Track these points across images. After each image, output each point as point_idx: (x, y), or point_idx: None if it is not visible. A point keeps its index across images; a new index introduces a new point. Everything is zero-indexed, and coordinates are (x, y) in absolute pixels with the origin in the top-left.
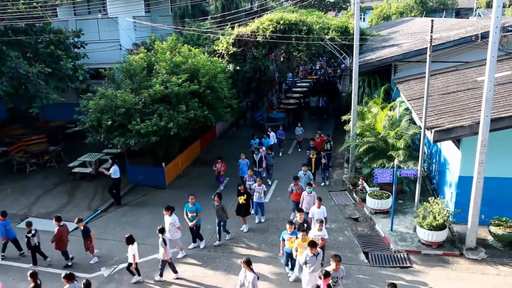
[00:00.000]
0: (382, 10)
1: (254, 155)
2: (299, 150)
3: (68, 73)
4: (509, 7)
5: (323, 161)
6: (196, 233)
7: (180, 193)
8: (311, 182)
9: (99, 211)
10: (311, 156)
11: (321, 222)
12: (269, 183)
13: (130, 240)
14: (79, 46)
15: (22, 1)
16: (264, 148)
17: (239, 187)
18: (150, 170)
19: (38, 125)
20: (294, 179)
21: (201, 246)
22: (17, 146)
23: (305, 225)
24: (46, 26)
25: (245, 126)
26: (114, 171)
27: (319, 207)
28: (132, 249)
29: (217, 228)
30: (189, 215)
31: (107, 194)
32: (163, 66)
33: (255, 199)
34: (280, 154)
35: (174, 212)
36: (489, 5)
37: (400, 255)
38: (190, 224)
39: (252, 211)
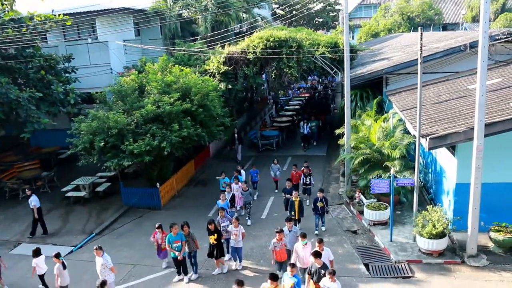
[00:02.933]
0: (371, 28)
1: (226, 193)
2: (276, 191)
3: (59, 97)
4: (494, 21)
5: (320, 204)
6: (182, 266)
7: (176, 214)
8: (305, 233)
9: (94, 234)
10: (293, 199)
11: (333, 273)
12: (248, 223)
13: (35, 253)
14: (70, 71)
15: (11, 27)
16: (240, 183)
17: (209, 226)
18: (145, 191)
19: (30, 151)
20: (278, 232)
21: (185, 281)
22: (9, 173)
23: (322, 271)
24: (36, 52)
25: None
26: (35, 201)
27: (321, 250)
28: (35, 262)
29: (188, 260)
30: (174, 245)
31: (101, 217)
32: (154, 86)
33: (231, 243)
34: (255, 198)
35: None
36: (474, 20)
37: (401, 265)
38: (178, 254)
39: (227, 256)
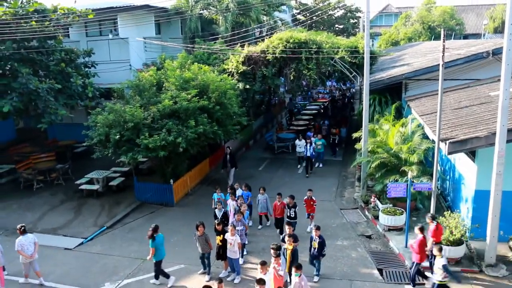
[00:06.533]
0: (391, 36)
1: (216, 210)
2: (260, 228)
3: (78, 90)
4: None
5: (314, 245)
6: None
7: (188, 211)
8: (299, 264)
9: (105, 227)
10: (286, 246)
11: None
12: (240, 262)
13: None
14: (90, 65)
15: (34, 20)
16: (236, 200)
17: (217, 226)
18: (158, 187)
19: (47, 144)
20: (275, 257)
21: (168, 285)
22: (25, 164)
23: None
24: (58, 44)
25: (254, 147)
26: None
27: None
28: None
29: (201, 261)
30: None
31: (113, 211)
32: (172, 82)
33: (228, 253)
34: (250, 224)
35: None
36: (496, 31)
37: None
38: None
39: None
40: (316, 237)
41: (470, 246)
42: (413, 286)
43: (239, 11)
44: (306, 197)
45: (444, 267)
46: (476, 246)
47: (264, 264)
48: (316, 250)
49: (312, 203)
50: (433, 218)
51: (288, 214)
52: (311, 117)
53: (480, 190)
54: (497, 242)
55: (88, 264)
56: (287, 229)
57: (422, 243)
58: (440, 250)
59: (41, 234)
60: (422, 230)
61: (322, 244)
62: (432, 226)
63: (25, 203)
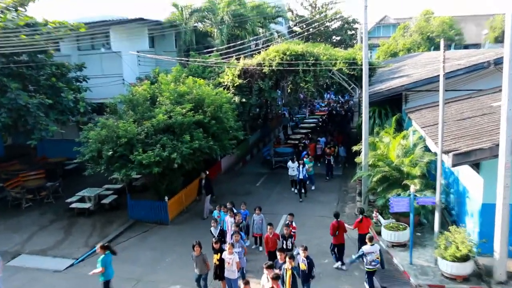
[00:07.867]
0: (389, 47)
1: (212, 228)
2: (257, 247)
3: (69, 105)
4: None
5: (302, 267)
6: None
7: (183, 229)
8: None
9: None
10: (286, 267)
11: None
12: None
13: None
14: (81, 79)
15: (25, 33)
16: (234, 216)
17: (214, 244)
18: (152, 204)
19: (36, 161)
20: (274, 278)
21: None
22: (13, 182)
23: None
24: (48, 58)
25: (252, 162)
26: None
27: None
28: None
29: (196, 283)
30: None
31: (106, 230)
32: (167, 96)
33: (225, 273)
34: (247, 243)
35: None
36: (497, 40)
37: None
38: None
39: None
40: (304, 258)
41: (478, 262)
42: (342, 264)
43: (234, 24)
44: (287, 221)
45: (359, 252)
46: (484, 262)
47: (247, 283)
48: (305, 272)
49: (291, 229)
50: (361, 212)
51: (285, 246)
52: (309, 130)
53: (487, 204)
54: (506, 258)
55: (79, 286)
56: (278, 255)
57: (332, 227)
58: (370, 239)
59: (29, 255)
60: (336, 216)
61: (310, 265)
62: (357, 218)
63: (13, 223)
